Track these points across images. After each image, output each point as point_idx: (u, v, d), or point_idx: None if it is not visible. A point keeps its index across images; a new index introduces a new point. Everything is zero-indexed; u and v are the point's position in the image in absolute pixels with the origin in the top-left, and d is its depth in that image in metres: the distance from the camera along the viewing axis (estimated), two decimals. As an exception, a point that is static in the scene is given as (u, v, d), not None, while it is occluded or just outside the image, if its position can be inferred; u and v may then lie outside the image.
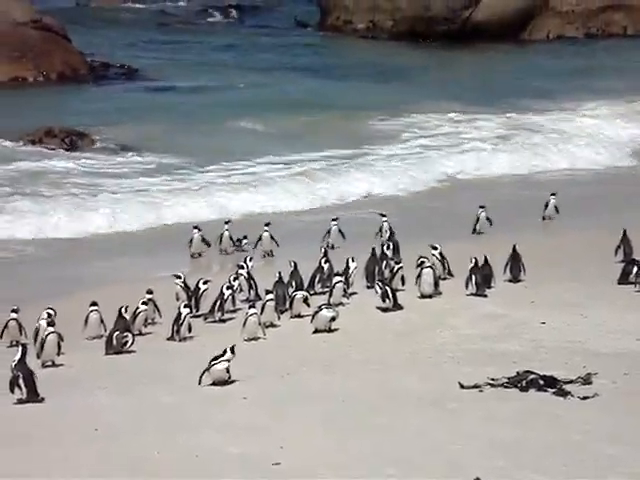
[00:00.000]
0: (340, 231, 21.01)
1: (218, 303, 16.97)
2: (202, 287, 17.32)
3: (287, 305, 17.10)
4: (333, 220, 21.31)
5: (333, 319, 16.16)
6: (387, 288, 17.09)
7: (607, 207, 24.24)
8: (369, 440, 11.79)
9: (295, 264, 18.17)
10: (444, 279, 18.30)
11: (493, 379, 13.52)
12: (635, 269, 17.81)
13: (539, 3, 51.64)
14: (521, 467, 10.87)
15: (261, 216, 24.04)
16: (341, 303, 17.21)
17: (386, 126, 33.90)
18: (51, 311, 15.84)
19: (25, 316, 16.20)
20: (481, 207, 22.17)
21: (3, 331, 16.11)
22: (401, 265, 18.16)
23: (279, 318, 16.71)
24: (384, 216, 21.17)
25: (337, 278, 17.46)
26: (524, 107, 36.50)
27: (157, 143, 30.91)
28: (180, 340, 16.09)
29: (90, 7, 59.01)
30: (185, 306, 16.33)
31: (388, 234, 20.38)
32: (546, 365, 13.93)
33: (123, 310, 16.05)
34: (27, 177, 27.37)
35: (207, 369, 13.91)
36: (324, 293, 17.68)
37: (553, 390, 13.16)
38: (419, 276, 17.56)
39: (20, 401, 13.56)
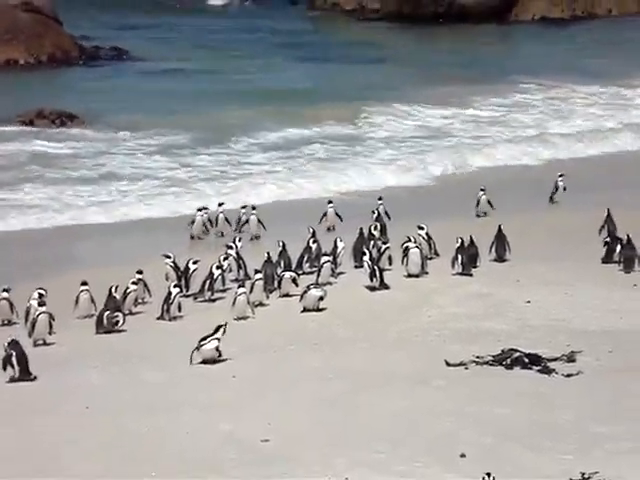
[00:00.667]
0: (337, 213, 21.10)
1: (208, 283, 17.12)
2: (192, 267, 17.47)
3: (276, 284, 17.26)
4: (329, 202, 21.39)
5: (321, 298, 16.32)
6: (375, 268, 17.27)
7: (593, 187, 24.35)
8: (356, 417, 11.96)
9: (284, 244, 18.33)
10: (430, 259, 18.47)
11: (478, 357, 13.71)
12: (618, 247, 18.04)
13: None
14: (506, 444, 11.04)
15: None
16: (329, 283, 17.38)
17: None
18: (42, 291, 15.94)
19: (16, 295, 16.31)
20: (482, 189, 22.14)
21: (-6, 311, 16.25)
22: (388, 245, 18.33)
23: (268, 297, 16.88)
24: (381, 199, 21.32)
25: (325, 258, 17.63)
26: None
27: (149, 124, 30.91)
28: (170, 319, 16.24)
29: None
30: (175, 286, 16.47)
31: (375, 215, 20.49)
32: (531, 343, 14.11)
33: (113, 289, 16.19)
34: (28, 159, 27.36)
35: (197, 348, 14.08)
36: (312, 273, 17.84)
37: (538, 368, 13.36)
38: (406, 256, 17.73)
39: (12, 379, 13.72)
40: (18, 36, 39.95)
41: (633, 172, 26.47)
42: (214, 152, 28.61)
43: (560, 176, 23.29)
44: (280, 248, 18.24)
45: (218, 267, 17.23)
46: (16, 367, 13.70)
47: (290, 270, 17.58)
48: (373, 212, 20.53)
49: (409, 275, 17.73)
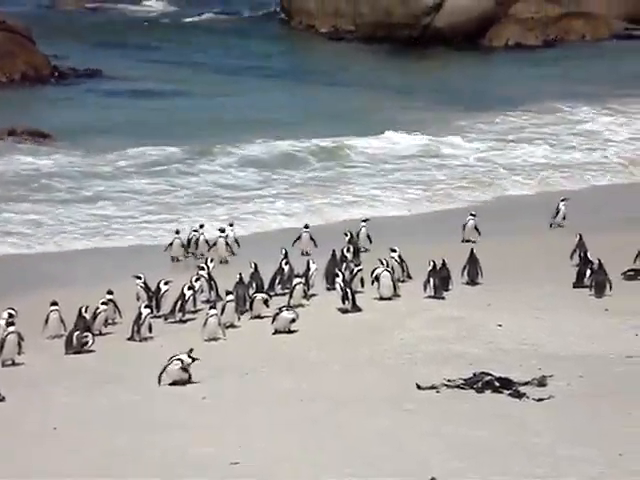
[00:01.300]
0: (312, 238, 20.99)
1: (179, 304, 17.06)
2: (163, 288, 17.40)
3: (247, 306, 17.21)
4: (305, 227, 21.27)
5: (293, 320, 16.30)
6: (347, 290, 17.26)
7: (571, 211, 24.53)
8: (327, 440, 11.92)
9: (256, 265, 18.30)
10: (403, 281, 18.49)
11: (450, 380, 13.71)
12: (589, 272, 18.12)
13: (499, 10, 52.04)
14: (477, 468, 11.03)
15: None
16: (301, 304, 17.36)
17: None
18: (12, 311, 15.84)
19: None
20: (472, 214, 21.96)
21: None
22: (361, 267, 18.33)
23: (239, 319, 16.83)
24: (365, 221, 21.28)
25: (297, 280, 17.61)
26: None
27: (122, 144, 30.77)
28: (140, 340, 16.16)
29: (56, 9, 58.82)
30: (146, 306, 16.40)
31: (348, 237, 20.42)
32: (502, 367, 14.13)
33: (83, 310, 16.11)
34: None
35: (164, 370, 14.02)
36: (284, 294, 17.82)
37: (509, 392, 13.37)
38: (377, 279, 17.74)
39: (-20, 399, 13.61)
40: (-10, 55, 39.89)
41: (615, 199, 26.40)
42: (191, 173, 28.40)
43: (562, 200, 23.29)
44: (252, 269, 18.21)
45: (189, 288, 17.18)
46: (-16, 387, 13.59)
47: (262, 291, 17.54)
48: (346, 234, 20.53)
49: (381, 298, 17.74)
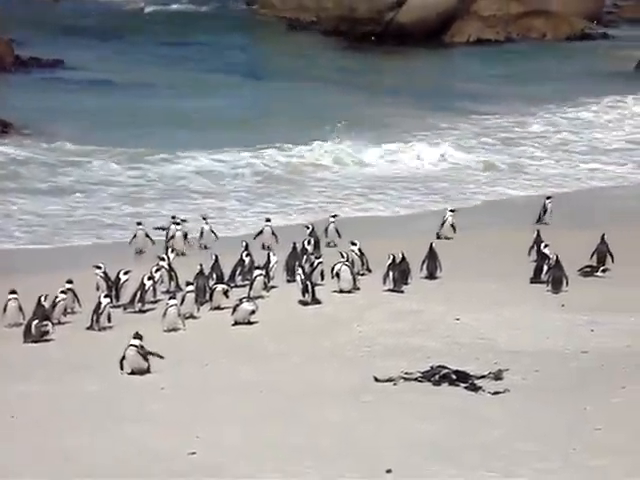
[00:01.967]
0: (273, 232, 20.97)
1: (139, 294, 17.05)
2: (123, 277, 17.38)
3: (207, 297, 17.23)
4: (267, 221, 21.21)
5: (253, 312, 16.34)
6: (307, 282, 17.33)
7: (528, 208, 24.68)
8: (285, 432, 11.96)
9: (216, 256, 18.33)
10: (362, 275, 18.59)
11: (407, 373, 13.81)
12: (546, 268, 18.31)
13: (461, 7, 52.23)
14: (432, 460, 11.11)
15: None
16: (261, 296, 17.40)
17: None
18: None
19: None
20: (450, 211, 21.92)
21: None
22: (321, 260, 18.40)
23: (199, 310, 16.84)
24: (334, 217, 21.29)
25: (257, 271, 17.66)
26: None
27: (85, 134, 30.61)
28: (99, 329, 16.13)
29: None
30: (105, 296, 16.38)
31: (309, 230, 20.45)
32: (459, 360, 14.25)
33: (42, 299, 16.05)
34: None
35: (123, 356, 14.06)
36: (244, 286, 17.85)
37: (465, 385, 13.48)
38: (337, 273, 17.81)
39: (-64, 388, 13.53)
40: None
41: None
42: (146, 169, 28.25)
43: (548, 198, 23.47)
44: (212, 261, 18.22)
45: (149, 278, 17.17)
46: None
47: (222, 283, 17.56)
48: (307, 227, 20.57)
49: (341, 291, 17.82)
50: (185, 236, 20.78)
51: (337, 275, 17.81)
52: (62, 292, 16.56)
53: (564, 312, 16.79)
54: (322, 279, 18.17)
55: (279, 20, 53.03)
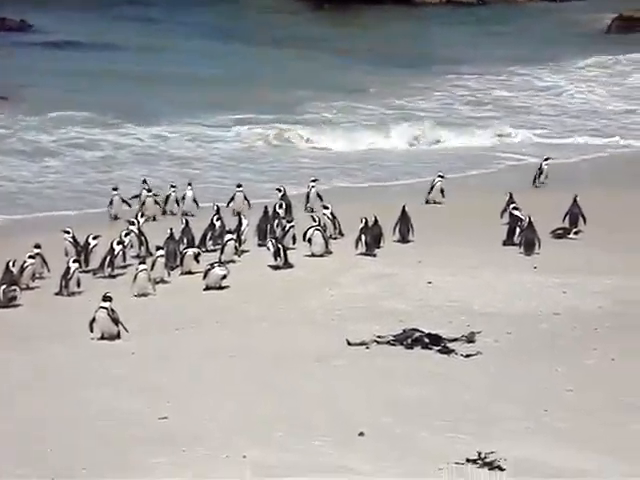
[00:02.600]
0: (246, 198, 20.77)
1: (108, 258, 16.90)
2: (92, 242, 17.21)
3: (178, 262, 17.10)
4: (238, 187, 20.97)
5: (224, 277, 16.24)
6: (279, 246, 17.23)
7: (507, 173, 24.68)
8: (256, 396, 11.90)
9: (187, 221, 18.20)
10: (335, 238, 18.51)
11: (380, 336, 13.76)
12: (518, 230, 18.29)
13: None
14: (405, 422, 11.09)
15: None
16: (232, 261, 17.29)
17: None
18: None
19: None
20: (440, 176, 21.71)
21: None
22: (293, 224, 18.30)
23: (169, 274, 16.72)
24: (314, 181, 21.11)
25: (229, 236, 17.53)
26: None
27: (51, 100, 30.29)
28: (68, 295, 15.99)
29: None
30: (74, 261, 16.22)
31: (281, 193, 20.35)
32: (431, 323, 14.22)
33: (10, 264, 15.88)
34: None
35: (93, 319, 13.94)
36: (215, 250, 17.73)
37: (438, 348, 13.46)
38: (309, 237, 17.72)
39: None
40: None
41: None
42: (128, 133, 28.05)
43: (545, 159, 23.41)
44: (183, 225, 18.08)
45: (119, 243, 17.02)
46: None
47: (193, 247, 17.43)
48: (279, 190, 20.45)
49: (313, 255, 17.72)
50: (156, 201, 20.61)
51: (309, 240, 17.71)
52: (30, 257, 16.41)
53: (536, 274, 16.80)
54: (294, 243, 18.07)
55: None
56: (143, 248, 17.80)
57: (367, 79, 35.33)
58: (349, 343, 13.61)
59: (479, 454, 10.23)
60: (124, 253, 17.09)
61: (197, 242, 17.92)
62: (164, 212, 20.75)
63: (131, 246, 17.58)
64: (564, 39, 43.67)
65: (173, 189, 20.98)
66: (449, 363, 13.01)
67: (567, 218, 19.44)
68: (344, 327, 14.28)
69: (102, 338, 13.92)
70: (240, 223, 18.24)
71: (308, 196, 20.83)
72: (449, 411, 11.43)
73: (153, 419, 11.19)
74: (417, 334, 13.66)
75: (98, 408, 11.54)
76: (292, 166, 26.04)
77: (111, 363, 13.05)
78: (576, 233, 19.08)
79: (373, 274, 16.76)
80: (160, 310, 15.31)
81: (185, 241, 17.77)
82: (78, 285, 16.06)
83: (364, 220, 17.94)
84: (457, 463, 10.08)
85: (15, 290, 15.53)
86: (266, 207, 18.99)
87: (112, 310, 13.93)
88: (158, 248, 16.75)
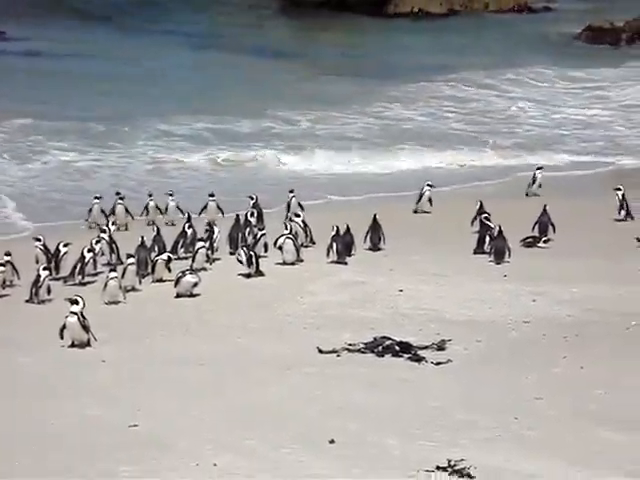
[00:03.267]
0: (218, 207, 20.75)
1: (79, 266, 16.85)
2: (62, 250, 17.16)
3: (149, 269, 17.07)
4: (210, 196, 20.89)
5: (196, 284, 16.23)
6: (251, 254, 17.24)
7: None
8: (227, 403, 11.91)
9: (158, 229, 18.18)
10: (306, 247, 18.54)
11: (350, 344, 13.80)
12: (488, 239, 18.38)
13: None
14: (375, 430, 11.12)
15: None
16: (204, 268, 17.28)
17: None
18: None
19: None
20: (428, 185, 21.63)
21: None
22: (264, 232, 18.32)
23: (140, 282, 16.69)
24: (292, 192, 21.06)
25: (200, 244, 17.52)
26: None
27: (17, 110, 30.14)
28: (39, 302, 15.92)
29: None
30: (44, 268, 16.16)
31: (253, 201, 20.31)
32: (402, 331, 14.28)
33: (-19, 272, 15.83)
34: None
35: (64, 325, 13.89)
36: (187, 258, 17.71)
37: (408, 356, 13.50)
38: (280, 245, 17.73)
39: None
40: None
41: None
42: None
43: (538, 169, 23.45)
44: (154, 233, 18.05)
45: (90, 250, 16.97)
46: None
47: (164, 254, 17.39)
48: (251, 197, 20.45)
49: (284, 263, 17.75)
50: (126, 210, 20.51)
51: (280, 248, 17.73)
52: (0, 264, 16.32)
53: (506, 282, 16.89)
54: (266, 251, 18.08)
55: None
56: (114, 256, 17.76)
57: (339, 88, 35.35)
58: (320, 351, 13.64)
59: (449, 462, 10.27)
60: (95, 261, 17.05)
61: (169, 250, 17.88)
62: (148, 223, 20.18)
63: (102, 254, 17.53)
64: (533, 49, 43.96)
65: (151, 197, 20.90)
66: (419, 371, 13.06)
67: (537, 227, 19.55)
68: (315, 335, 14.31)
69: (72, 345, 13.87)
70: (212, 231, 18.23)
71: (289, 206, 20.77)
72: (419, 419, 11.47)
73: (123, 427, 11.17)
74: (388, 342, 13.71)
75: (68, 416, 11.50)
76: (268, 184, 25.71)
77: (81, 371, 13.02)
78: (545, 242, 19.20)
79: (344, 282, 16.80)
80: (131, 318, 15.27)
81: (156, 249, 17.75)
82: (48, 293, 16.00)
83: (335, 228, 17.98)
84: (427, 470, 10.12)
85: (-15, 298, 15.46)
86: (238, 215, 19.00)
87: (83, 316, 13.89)
88: (129, 256, 16.72)
